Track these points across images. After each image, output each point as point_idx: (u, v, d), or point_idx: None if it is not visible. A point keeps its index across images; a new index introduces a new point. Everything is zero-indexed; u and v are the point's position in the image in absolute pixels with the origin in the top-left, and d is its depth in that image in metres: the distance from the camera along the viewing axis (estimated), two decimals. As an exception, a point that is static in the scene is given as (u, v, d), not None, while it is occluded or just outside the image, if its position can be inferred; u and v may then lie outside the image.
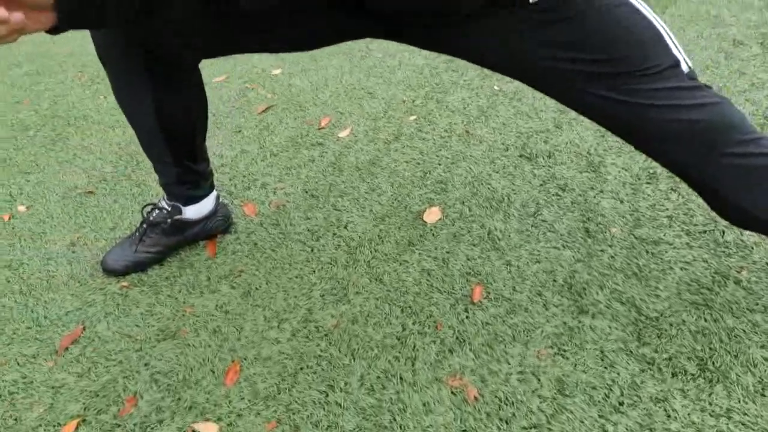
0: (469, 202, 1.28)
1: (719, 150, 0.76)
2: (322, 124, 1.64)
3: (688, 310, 0.98)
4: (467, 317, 0.98)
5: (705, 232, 1.16)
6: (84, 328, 0.98)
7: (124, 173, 1.43)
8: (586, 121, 1.59)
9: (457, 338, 0.94)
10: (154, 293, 1.05)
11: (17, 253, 1.17)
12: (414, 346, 0.93)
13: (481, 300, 1.02)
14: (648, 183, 1.31)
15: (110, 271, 1.08)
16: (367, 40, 2.25)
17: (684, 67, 0.76)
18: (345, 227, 1.21)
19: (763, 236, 1.07)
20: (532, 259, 1.11)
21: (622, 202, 1.26)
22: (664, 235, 1.15)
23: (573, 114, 1.63)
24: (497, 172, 1.38)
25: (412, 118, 1.65)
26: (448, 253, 1.13)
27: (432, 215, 1.24)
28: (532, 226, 1.20)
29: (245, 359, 0.92)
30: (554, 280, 1.05)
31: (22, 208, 1.31)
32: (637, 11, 0.76)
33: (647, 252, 1.11)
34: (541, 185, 1.33)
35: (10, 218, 1.28)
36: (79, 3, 0.64)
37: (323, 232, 1.20)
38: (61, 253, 1.16)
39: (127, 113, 0.96)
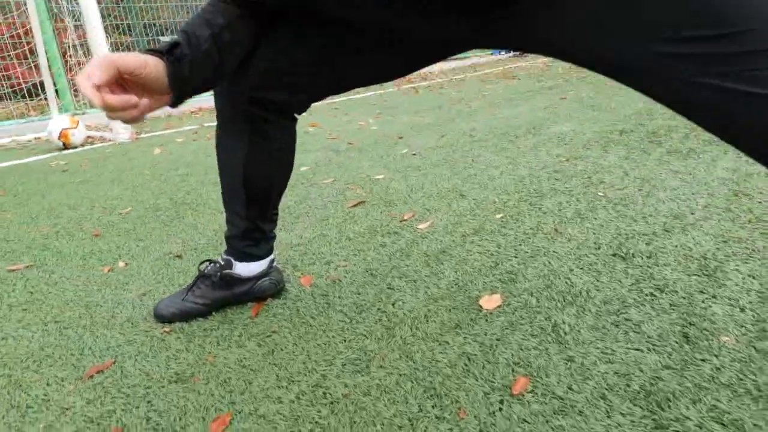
0: (539, 294, 1.11)
1: None
2: (405, 217, 1.63)
3: (833, 448, 0.67)
4: (500, 409, 0.79)
5: None
6: (114, 362, 1.00)
7: (213, 245, 1.55)
8: (706, 226, 1.35)
9: (480, 430, 0.75)
10: (187, 341, 1.05)
11: (98, 297, 1.27)
12: (425, 431, 0.76)
13: (523, 393, 0.82)
14: (784, 293, 1.02)
15: (158, 316, 1.11)
16: (475, 153, 2.30)
17: None
18: (393, 304, 1.12)
19: None
20: (603, 359, 0.89)
21: (743, 310, 0.98)
22: (803, 354, 0.85)
23: (691, 219, 1.40)
24: (581, 268, 1.20)
25: (499, 216, 1.57)
26: (498, 340, 0.96)
27: (491, 302, 1.09)
28: (611, 324, 0.98)
29: (239, 413, 0.83)
30: (627, 385, 0.82)
31: (121, 264, 1.46)
32: None
33: (773, 369, 0.82)
34: (633, 284, 1.11)
35: (109, 270, 1.43)
36: (181, 88, 0.78)
37: (368, 307, 1.12)
38: (131, 299, 1.24)
39: (220, 161, 1.06)
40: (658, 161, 2.00)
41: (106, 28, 3.92)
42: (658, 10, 0.57)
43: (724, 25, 0.54)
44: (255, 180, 1.05)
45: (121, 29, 5.72)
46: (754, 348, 0.88)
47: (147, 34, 5.97)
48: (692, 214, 1.46)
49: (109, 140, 3.68)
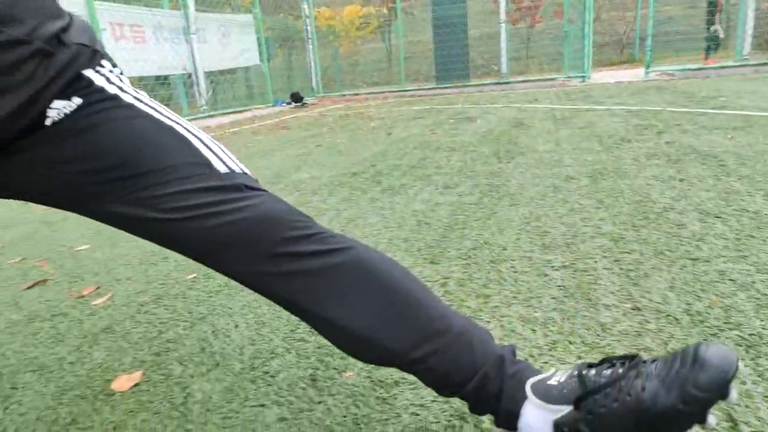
0: (189, 360, 1.02)
1: (266, 251, 0.63)
2: (84, 293, 1.42)
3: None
4: None
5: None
6: None
7: None
8: (379, 259, 1.43)
9: None
10: None
11: None
12: None
13: (106, 494, 0.70)
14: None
15: None
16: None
17: (219, 167, 0.66)
18: (5, 410, 0.92)
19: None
20: (222, 425, 0.82)
21: (379, 339, 1.02)
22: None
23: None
24: (246, 323, 1.15)
25: (191, 276, 1.47)
26: (114, 429, 0.84)
27: (128, 382, 0.96)
28: (249, 380, 0.94)
29: None
30: (232, 451, 0.76)
31: None
32: (156, 121, 0.68)
33: (378, 398, 0.85)
34: (290, 332, 1.09)
35: None
36: None
37: (-33, 421, 0.90)
38: None
39: None
40: (371, 200, 2.14)
41: None
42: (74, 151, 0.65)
43: (116, 158, 0.64)
44: None
45: None
46: (370, 378, 0.91)
47: None
48: (377, 247, 1.55)
49: None
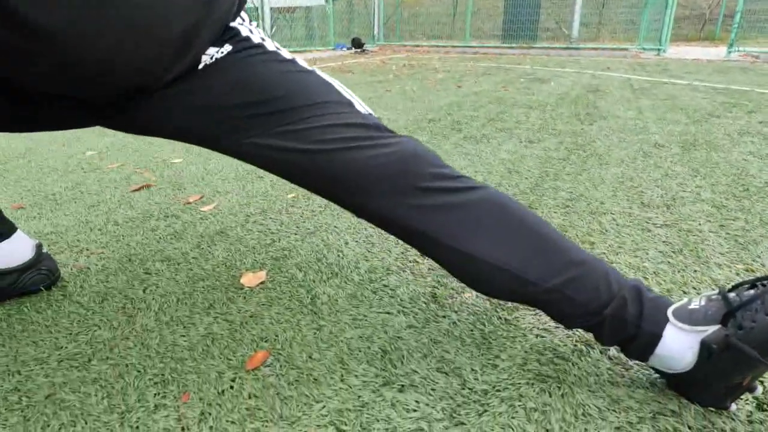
0: (307, 268, 1.07)
1: (413, 184, 0.67)
2: (190, 200, 1.49)
3: (531, 383, 0.73)
4: (231, 387, 0.73)
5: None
6: None
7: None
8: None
9: (202, 412, 0.68)
10: None
11: None
12: (137, 422, 0.66)
13: (259, 367, 0.76)
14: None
15: None
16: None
17: (360, 109, 0.72)
18: (144, 290, 1.00)
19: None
20: (353, 325, 0.87)
21: (489, 270, 1.05)
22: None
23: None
24: (356, 241, 1.19)
25: (291, 195, 1.52)
26: (251, 317, 0.90)
27: (254, 279, 1.02)
28: (370, 291, 0.98)
29: None
30: (368, 348, 0.81)
31: None
32: (299, 65, 0.75)
33: (500, 318, 0.88)
34: (401, 253, 1.13)
35: None
36: None
37: (113, 295, 0.98)
38: None
39: None
40: (454, 145, 2.14)
41: None
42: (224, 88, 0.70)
43: (280, 103, 0.69)
44: None
45: None
46: (489, 302, 0.94)
47: None
48: (469, 189, 1.56)
49: None
